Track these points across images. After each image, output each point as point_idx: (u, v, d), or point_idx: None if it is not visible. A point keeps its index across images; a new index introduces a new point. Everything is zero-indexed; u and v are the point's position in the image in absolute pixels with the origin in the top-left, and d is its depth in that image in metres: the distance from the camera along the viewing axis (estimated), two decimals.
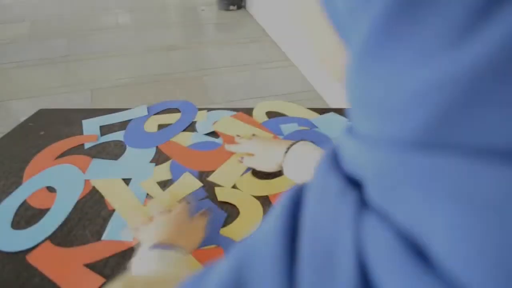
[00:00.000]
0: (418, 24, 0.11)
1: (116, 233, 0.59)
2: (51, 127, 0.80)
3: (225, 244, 0.57)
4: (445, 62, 0.10)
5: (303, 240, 0.15)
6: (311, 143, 0.61)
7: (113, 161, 0.72)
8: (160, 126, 0.81)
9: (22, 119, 0.83)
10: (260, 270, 0.16)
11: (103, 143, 0.76)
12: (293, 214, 0.16)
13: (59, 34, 2.63)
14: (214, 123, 0.81)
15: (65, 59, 2.33)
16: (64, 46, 2.48)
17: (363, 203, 0.14)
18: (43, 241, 0.57)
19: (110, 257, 0.55)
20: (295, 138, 0.76)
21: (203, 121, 0.82)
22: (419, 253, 0.12)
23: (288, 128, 0.80)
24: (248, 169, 0.70)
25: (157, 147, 0.75)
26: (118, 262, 0.55)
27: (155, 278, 0.34)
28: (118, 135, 0.78)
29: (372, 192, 0.13)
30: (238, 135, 0.74)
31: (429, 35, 0.11)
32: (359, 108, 0.14)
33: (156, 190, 0.66)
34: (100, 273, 0.53)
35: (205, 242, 0.57)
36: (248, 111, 0.85)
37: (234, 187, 0.67)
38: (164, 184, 0.68)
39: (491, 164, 0.10)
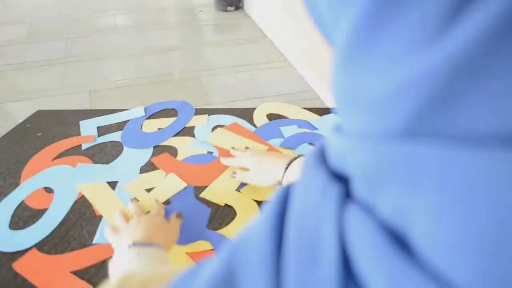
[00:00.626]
0: (399, 19, 0.11)
1: (104, 238, 0.58)
2: (48, 128, 0.81)
3: (213, 238, 0.59)
4: (425, 56, 0.11)
5: (288, 233, 0.16)
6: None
7: (98, 165, 0.72)
8: (158, 126, 0.82)
9: (20, 120, 0.83)
10: (250, 264, 0.16)
11: (100, 143, 0.77)
12: (282, 211, 0.17)
13: (57, 36, 2.64)
14: (213, 129, 0.80)
15: (63, 61, 2.33)
16: (62, 47, 2.48)
17: (346, 196, 0.14)
18: (37, 244, 0.57)
19: (97, 264, 0.55)
20: (296, 140, 0.77)
21: (204, 125, 0.82)
22: (400, 243, 0.12)
23: (288, 130, 0.80)
24: (243, 184, 0.67)
25: (151, 160, 0.73)
26: (106, 268, 0.53)
27: (150, 275, 0.34)
28: (116, 136, 0.79)
29: (357, 185, 0.14)
30: (233, 147, 0.72)
31: (410, 29, 0.11)
32: (344, 105, 0.15)
33: (141, 193, 0.66)
34: (88, 280, 0.53)
35: (193, 238, 0.58)
36: (249, 112, 0.85)
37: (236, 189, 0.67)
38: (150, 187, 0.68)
39: (471, 151, 0.10)
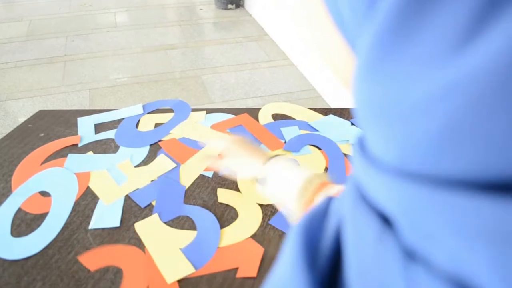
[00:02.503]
0: (424, 27, 0.11)
1: (101, 221, 0.61)
2: (51, 129, 0.80)
3: (190, 212, 0.62)
4: (452, 66, 0.10)
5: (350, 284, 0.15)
6: (287, 159, 0.52)
7: (89, 155, 0.73)
8: (153, 125, 0.81)
9: (21, 119, 0.82)
10: None
11: (97, 141, 0.76)
12: (313, 245, 0.16)
13: (57, 34, 2.62)
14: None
15: (63, 59, 2.31)
16: (62, 45, 2.47)
17: (406, 252, 0.13)
18: (45, 248, 0.57)
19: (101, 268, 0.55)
20: (297, 143, 0.76)
21: (201, 122, 0.82)
22: None
23: (288, 131, 0.79)
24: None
25: (153, 145, 0.75)
26: (110, 273, 0.54)
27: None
28: (113, 133, 0.79)
29: (406, 233, 0.13)
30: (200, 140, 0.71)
31: (435, 39, 0.10)
32: (368, 116, 0.13)
33: (132, 170, 0.70)
34: (93, 285, 0.53)
35: (170, 215, 0.62)
36: (255, 112, 0.85)
37: (238, 190, 0.67)
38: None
39: None
